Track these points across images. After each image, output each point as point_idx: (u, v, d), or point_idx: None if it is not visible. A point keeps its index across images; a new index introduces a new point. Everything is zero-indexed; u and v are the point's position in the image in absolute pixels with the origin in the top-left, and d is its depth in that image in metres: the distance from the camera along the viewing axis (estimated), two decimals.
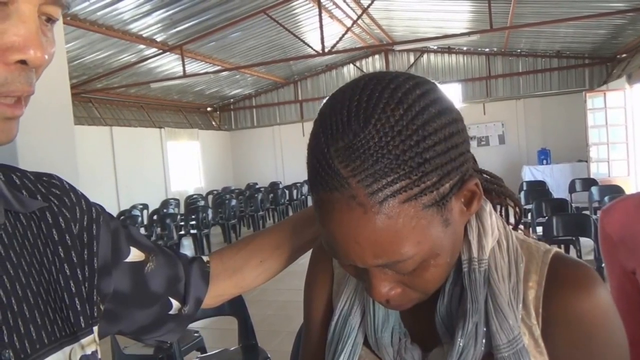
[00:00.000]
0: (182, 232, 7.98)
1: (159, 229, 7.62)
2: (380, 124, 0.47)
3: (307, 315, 0.75)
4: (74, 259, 0.56)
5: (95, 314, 0.57)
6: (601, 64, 11.35)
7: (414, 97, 0.49)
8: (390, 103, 0.48)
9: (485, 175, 0.64)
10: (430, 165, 0.47)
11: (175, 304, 0.72)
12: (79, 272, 0.56)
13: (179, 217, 8.26)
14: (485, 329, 0.55)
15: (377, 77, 0.51)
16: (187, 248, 8.50)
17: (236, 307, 2.61)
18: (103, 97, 10.69)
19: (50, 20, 0.47)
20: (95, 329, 0.57)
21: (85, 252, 0.58)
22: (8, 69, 0.43)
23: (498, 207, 0.67)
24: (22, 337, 0.48)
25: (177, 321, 0.73)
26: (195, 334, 2.96)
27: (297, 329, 1.39)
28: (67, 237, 0.56)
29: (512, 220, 0.67)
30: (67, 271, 0.55)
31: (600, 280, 0.55)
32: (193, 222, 8.17)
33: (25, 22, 0.43)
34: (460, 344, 0.55)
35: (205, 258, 0.79)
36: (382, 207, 0.47)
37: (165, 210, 9.16)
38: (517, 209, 0.66)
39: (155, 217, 8.23)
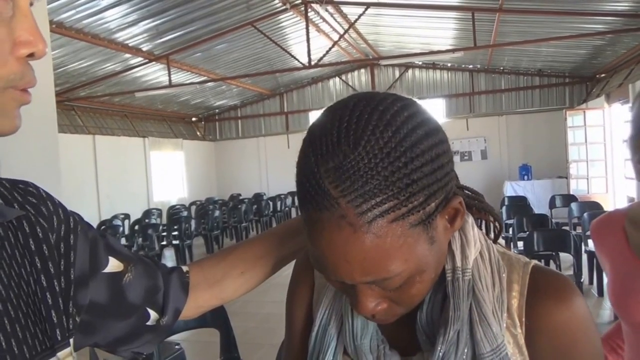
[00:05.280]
0: (164, 243, 7.88)
1: (140, 240, 7.52)
2: (369, 145, 0.48)
3: (289, 326, 0.75)
4: (51, 269, 0.54)
5: (71, 326, 0.55)
6: (581, 83, 11.60)
7: (401, 120, 0.50)
8: (379, 125, 0.49)
9: (466, 192, 0.66)
10: (417, 185, 0.49)
11: (153, 314, 0.70)
12: (55, 283, 0.54)
13: (161, 227, 8.18)
14: (469, 337, 0.57)
15: (366, 98, 0.52)
16: (169, 259, 8.39)
17: (218, 319, 2.58)
18: (86, 105, 10.58)
19: None
20: (72, 341, 0.55)
21: (62, 262, 0.57)
22: (21, 63, 0.44)
23: (479, 221, 0.69)
24: (4, 353, 0.47)
25: (155, 332, 0.71)
26: (177, 347, 2.91)
27: (280, 342, 1.39)
28: (45, 247, 0.54)
29: (492, 235, 0.69)
30: (44, 282, 0.53)
31: (578, 291, 0.58)
32: (175, 233, 8.08)
33: (27, 16, 0.43)
34: (441, 351, 0.56)
35: (184, 268, 0.77)
36: (371, 226, 0.48)
37: (147, 221, 9.08)
38: (497, 224, 0.68)
39: (136, 227, 8.14)
